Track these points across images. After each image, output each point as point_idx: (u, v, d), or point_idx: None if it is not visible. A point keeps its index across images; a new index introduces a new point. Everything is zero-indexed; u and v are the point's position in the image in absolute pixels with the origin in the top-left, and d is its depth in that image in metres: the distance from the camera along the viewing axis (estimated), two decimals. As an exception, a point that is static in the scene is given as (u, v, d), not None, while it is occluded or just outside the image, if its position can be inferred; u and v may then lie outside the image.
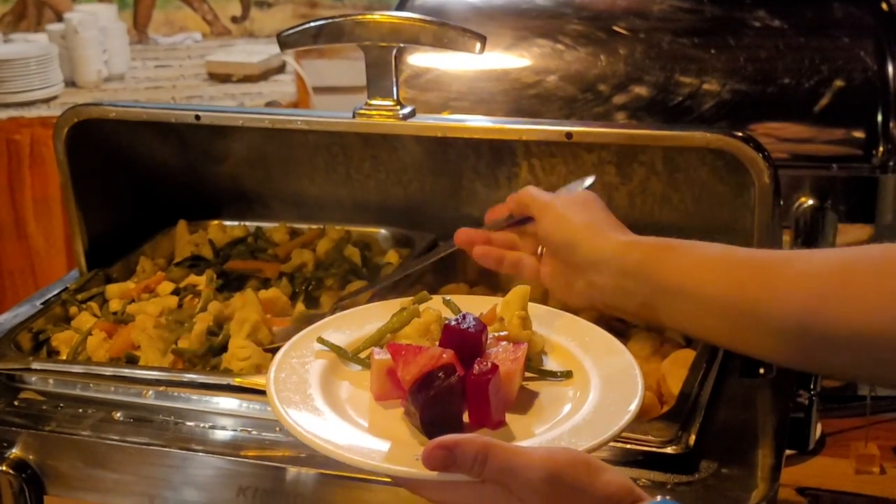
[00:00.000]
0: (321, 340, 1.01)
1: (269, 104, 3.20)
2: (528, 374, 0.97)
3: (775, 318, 0.92)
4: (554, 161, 1.34)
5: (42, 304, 1.35)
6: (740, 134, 1.12)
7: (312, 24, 1.23)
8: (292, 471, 1.03)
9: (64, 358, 1.24)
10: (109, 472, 1.10)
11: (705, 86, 1.59)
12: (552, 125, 1.23)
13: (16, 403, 1.16)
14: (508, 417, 0.91)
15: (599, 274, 1.04)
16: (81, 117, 1.35)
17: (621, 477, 0.79)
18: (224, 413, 1.11)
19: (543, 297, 1.23)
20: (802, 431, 1.42)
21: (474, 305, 1.05)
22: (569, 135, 1.20)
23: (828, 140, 1.56)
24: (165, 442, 1.08)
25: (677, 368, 1.09)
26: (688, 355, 1.11)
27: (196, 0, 4.10)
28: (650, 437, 0.98)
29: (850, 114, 1.56)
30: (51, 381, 1.18)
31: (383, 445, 0.86)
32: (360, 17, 1.21)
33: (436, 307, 1.05)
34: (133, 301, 1.33)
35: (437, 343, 0.94)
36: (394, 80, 1.23)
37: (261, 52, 3.54)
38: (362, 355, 1.01)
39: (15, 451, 1.12)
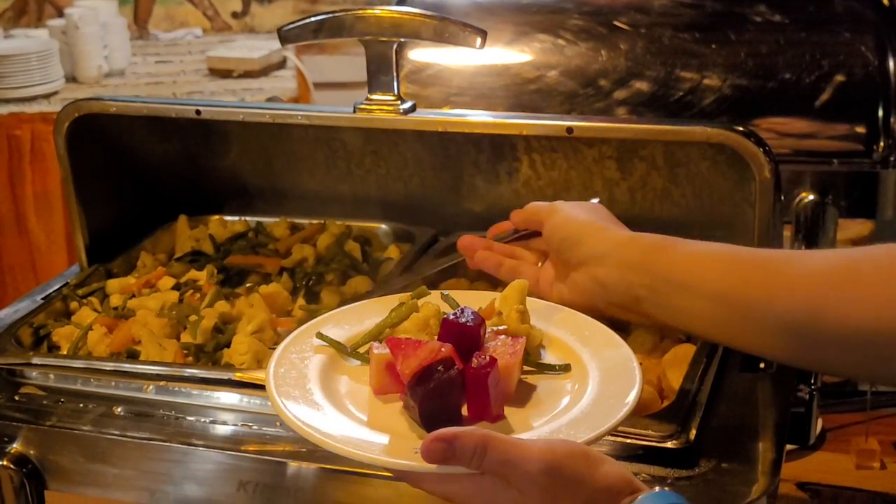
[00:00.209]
0: (320, 336, 1.01)
1: (269, 100, 3.20)
2: (526, 368, 0.97)
3: (777, 315, 0.92)
4: (555, 156, 1.34)
5: (42, 299, 1.35)
6: (741, 129, 1.12)
7: (313, 18, 1.23)
8: (293, 465, 1.03)
9: (64, 353, 1.24)
10: (110, 466, 1.10)
11: (706, 81, 1.59)
12: (553, 120, 1.23)
13: (16, 398, 1.16)
14: (507, 411, 0.91)
15: (602, 267, 1.05)
16: (82, 112, 1.35)
17: (620, 469, 0.80)
18: (225, 408, 1.11)
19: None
20: (803, 426, 1.42)
21: (473, 300, 1.05)
22: (569, 130, 1.20)
23: (829, 135, 1.56)
24: (166, 437, 1.08)
25: (678, 363, 1.09)
26: (688, 350, 1.11)
27: (197, -5, 4.10)
28: (650, 432, 0.98)
29: (851, 109, 1.56)
30: (51, 375, 1.18)
31: (382, 439, 0.87)
32: (360, 11, 1.21)
33: (434, 302, 1.05)
34: (133, 296, 1.33)
35: (436, 337, 0.94)
36: (394, 75, 1.23)
37: (261, 47, 3.54)
38: (361, 350, 1.01)
39: (15, 446, 1.12)
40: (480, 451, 0.78)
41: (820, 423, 1.70)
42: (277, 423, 1.07)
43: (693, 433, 0.99)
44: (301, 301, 1.31)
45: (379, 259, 1.41)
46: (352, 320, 1.06)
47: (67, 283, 1.38)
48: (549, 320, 1.05)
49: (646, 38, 1.64)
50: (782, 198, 1.13)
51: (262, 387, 1.07)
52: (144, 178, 1.50)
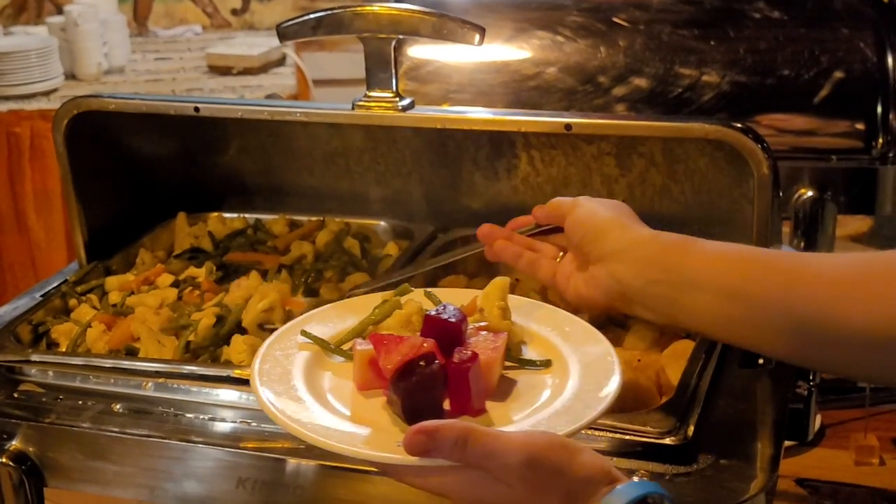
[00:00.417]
0: (304, 333, 1.02)
1: (268, 97, 3.20)
2: (507, 363, 0.97)
3: (792, 316, 0.93)
4: (553, 153, 1.34)
5: (41, 296, 1.35)
6: (739, 125, 1.12)
7: (312, 15, 1.23)
8: (292, 462, 1.03)
9: (63, 350, 1.24)
10: (109, 463, 1.10)
11: (705, 77, 1.59)
12: (552, 117, 1.23)
13: (15, 395, 1.16)
14: (488, 405, 0.92)
15: (621, 263, 1.05)
16: (81, 109, 1.35)
17: (599, 458, 0.81)
18: (224, 405, 1.11)
19: (543, 296, 1.23)
20: (801, 422, 1.42)
21: (455, 297, 1.06)
22: (568, 126, 1.20)
23: (827, 131, 1.56)
24: (165, 434, 1.08)
25: (676, 359, 1.09)
26: (687, 346, 1.11)
27: (196, -8, 4.10)
28: (649, 428, 0.98)
29: (850, 105, 1.56)
30: (50, 373, 1.18)
31: (365, 432, 0.87)
32: (359, 8, 1.21)
33: (417, 299, 1.06)
34: (132, 293, 1.33)
35: (419, 334, 0.94)
36: (393, 71, 1.23)
37: (261, 44, 3.54)
38: (345, 347, 1.02)
39: (15, 444, 1.12)
40: (461, 442, 0.78)
41: (819, 419, 1.70)
42: (276, 420, 1.07)
43: (691, 429, 0.99)
44: (300, 298, 1.31)
45: (378, 256, 1.41)
46: (336, 318, 1.07)
47: (66, 281, 1.38)
48: (530, 316, 1.06)
49: (645, 35, 1.64)
50: (781, 194, 1.13)
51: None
52: (143, 175, 1.50)
